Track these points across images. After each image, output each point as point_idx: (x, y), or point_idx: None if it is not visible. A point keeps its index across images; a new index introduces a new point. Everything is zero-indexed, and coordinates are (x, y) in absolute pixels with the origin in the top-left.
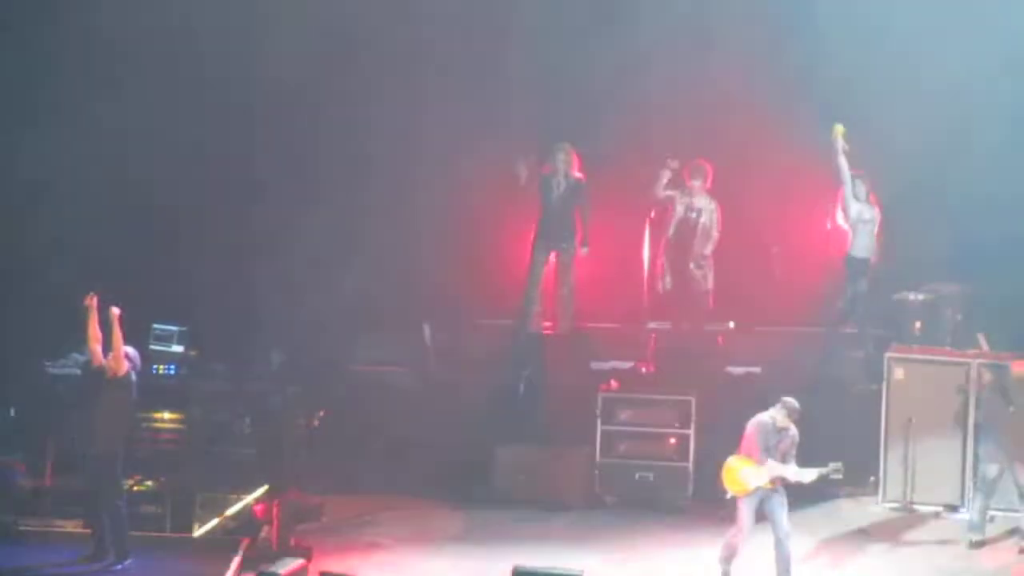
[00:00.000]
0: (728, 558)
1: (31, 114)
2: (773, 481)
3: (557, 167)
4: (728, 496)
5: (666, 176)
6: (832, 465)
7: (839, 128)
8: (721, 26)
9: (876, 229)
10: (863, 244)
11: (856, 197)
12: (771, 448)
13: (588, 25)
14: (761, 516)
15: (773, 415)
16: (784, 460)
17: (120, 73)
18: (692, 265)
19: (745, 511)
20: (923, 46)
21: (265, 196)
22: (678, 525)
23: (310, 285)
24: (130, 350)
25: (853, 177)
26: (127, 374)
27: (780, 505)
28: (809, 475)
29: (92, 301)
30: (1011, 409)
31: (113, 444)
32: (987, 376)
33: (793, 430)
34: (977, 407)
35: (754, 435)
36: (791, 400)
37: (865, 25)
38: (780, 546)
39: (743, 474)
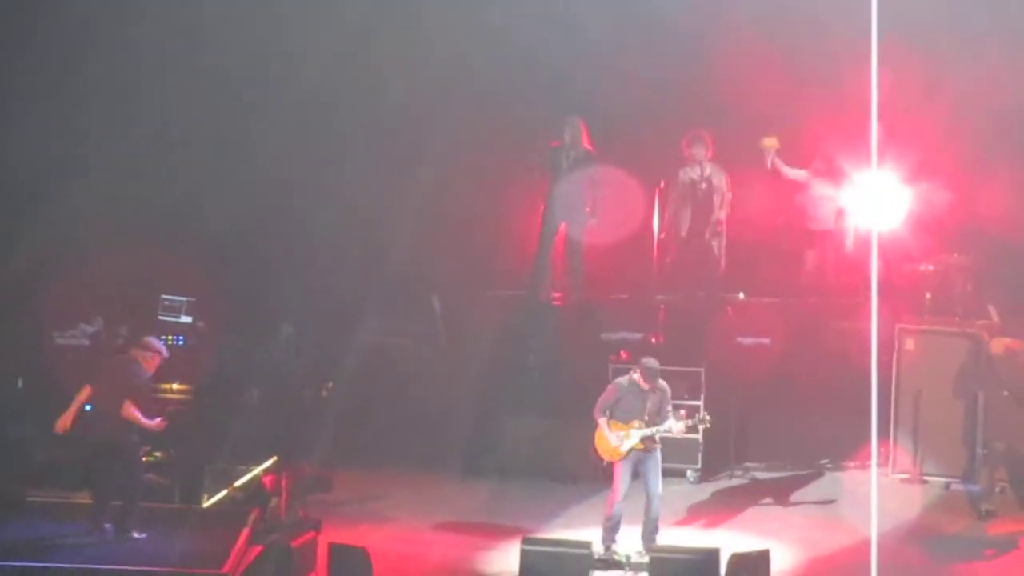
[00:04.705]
0: (611, 528)
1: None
2: (643, 441)
3: (567, 140)
4: (604, 463)
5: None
6: (698, 416)
7: (770, 142)
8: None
9: None
10: None
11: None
12: (635, 410)
13: None
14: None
15: (632, 377)
16: (659, 416)
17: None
18: (707, 233)
19: (620, 475)
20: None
21: (274, 168)
22: (687, 496)
23: (319, 256)
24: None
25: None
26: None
27: (654, 467)
28: (677, 427)
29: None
30: (1004, 393)
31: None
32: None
33: (661, 385)
34: (983, 382)
35: (609, 396)
36: (647, 360)
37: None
38: (650, 507)
39: (613, 439)
